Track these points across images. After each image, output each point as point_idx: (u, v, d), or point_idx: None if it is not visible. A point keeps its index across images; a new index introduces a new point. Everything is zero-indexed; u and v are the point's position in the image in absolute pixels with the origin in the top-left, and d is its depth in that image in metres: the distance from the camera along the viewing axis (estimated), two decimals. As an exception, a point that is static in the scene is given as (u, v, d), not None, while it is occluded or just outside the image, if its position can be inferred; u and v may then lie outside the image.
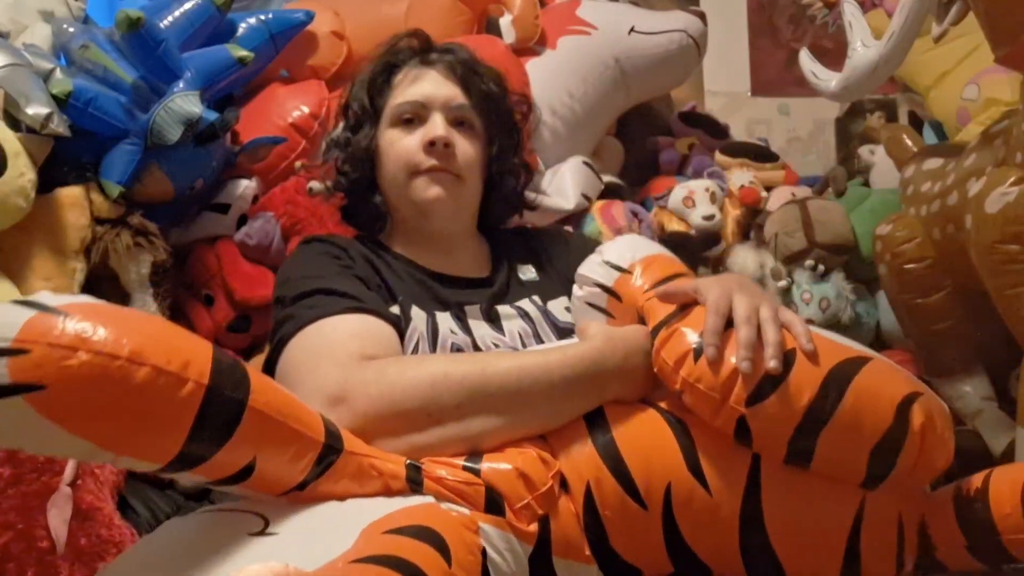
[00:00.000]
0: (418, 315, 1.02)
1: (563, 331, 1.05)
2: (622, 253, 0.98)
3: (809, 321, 1.75)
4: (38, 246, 1.30)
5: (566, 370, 0.84)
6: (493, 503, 0.77)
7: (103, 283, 1.37)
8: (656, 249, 1.01)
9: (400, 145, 1.10)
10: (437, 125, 1.09)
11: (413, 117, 1.11)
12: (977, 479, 0.86)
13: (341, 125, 1.19)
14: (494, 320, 1.07)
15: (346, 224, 1.23)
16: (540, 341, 1.04)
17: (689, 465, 0.79)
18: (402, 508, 0.75)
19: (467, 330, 1.03)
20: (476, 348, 1.01)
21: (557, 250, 1.19)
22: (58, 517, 1.01)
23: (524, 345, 1.03)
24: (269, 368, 0.96)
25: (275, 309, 1.02)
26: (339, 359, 0.87)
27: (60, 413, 0.63)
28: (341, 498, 0.77)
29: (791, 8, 3.23)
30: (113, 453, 0.66)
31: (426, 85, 1.12)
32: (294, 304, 0.97)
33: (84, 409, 0.64)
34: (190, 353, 0.68)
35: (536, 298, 1.10)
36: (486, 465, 0.80)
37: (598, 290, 0.98)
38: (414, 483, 0.78)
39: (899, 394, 0.79)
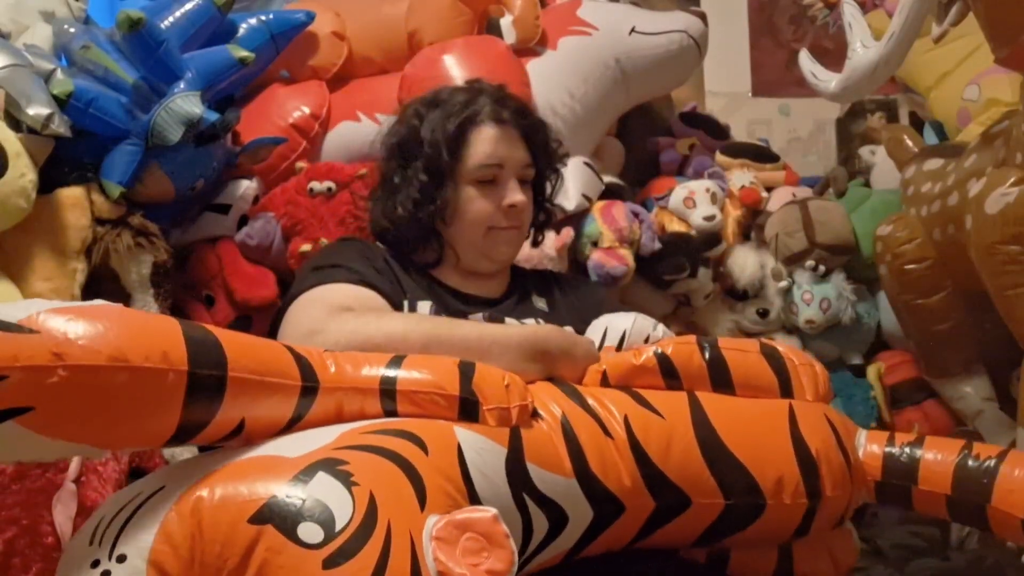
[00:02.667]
0: (423, 305, 1.12)
1: None
2: (633, 337, 1.08)
3: (810, 322, 1.79)
4: (39, 246, 1.30)
5: (521, 339, 0.99)
6: (466, 411, 0.83)
7: (104, 284, 1.37)
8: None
9: (479, 205, 1.20)
10: (516, 190, 1.20)
11: (493, 178, 1.20)
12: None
13: (395, 163, 1.24)
14: (494, 321, 1.13)
15: (374, 237, 1.31)
16: None
17: (639, 401, 0.93)
18: (378, 421, 0.82)
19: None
20: None
21: (579, 292, 1.31)
22: (63, 513, 1.02)
23: None
24: (275, 322, 1.12)
25: (296, 276, 1.19)
26: (327, 307, 1.04)
27: (53, 427, 0.65)
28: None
29: (792, 8, 3.23)
30: (111, 449, 0.68)
31: (503, 148, 1.21)
32: (311, 273, 1.14)
33: (76, 419, 0.66)
34: (164, 342, 0.70)
35: (541, 320, 1.18)
36: (479, 368, 0.87)
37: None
38: (388, 411, 0.83)
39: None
